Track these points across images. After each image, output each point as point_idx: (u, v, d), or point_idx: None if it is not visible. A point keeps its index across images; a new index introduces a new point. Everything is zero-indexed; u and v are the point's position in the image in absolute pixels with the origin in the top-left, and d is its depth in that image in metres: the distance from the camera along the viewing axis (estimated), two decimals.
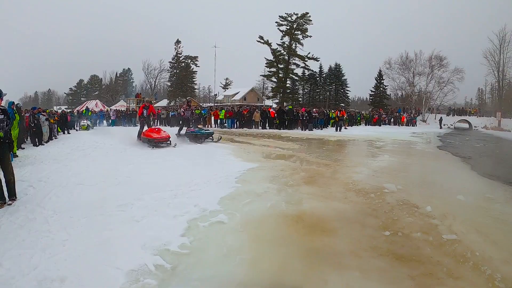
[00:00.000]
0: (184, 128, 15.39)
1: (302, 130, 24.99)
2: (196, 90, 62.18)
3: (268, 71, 53.89)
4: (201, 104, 49.41)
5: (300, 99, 55.93)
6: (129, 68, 63.97)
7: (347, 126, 28.80)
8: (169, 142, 13.00)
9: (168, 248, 4.25)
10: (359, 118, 34.26)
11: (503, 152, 18.07)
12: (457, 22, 62.10)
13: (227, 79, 65.43)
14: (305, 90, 56.84)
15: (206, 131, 15.29)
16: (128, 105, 35.16)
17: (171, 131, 15.19)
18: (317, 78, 55.85)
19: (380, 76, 51.15)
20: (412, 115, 41.12)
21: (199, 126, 17.28)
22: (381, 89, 51.62)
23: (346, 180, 8.10)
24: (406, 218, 5.55)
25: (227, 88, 63.69)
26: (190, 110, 15.73)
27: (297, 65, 53.17)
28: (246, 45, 70.30)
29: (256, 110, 27.84)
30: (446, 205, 6.34)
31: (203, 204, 5.80)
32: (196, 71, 58.68)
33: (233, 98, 55.35)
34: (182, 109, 15.92)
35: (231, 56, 69.36)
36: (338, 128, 25.72)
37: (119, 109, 31.87)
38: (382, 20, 66.91)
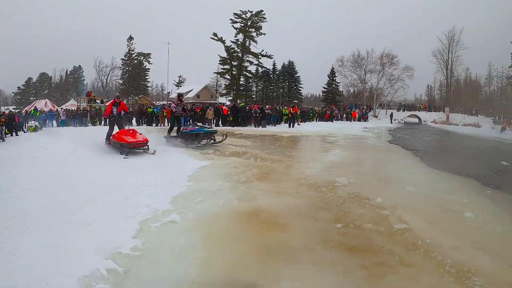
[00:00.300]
0: (175, 128, 13.41)
1: (255, 127, 25.13)
2: (149, 88, 60.71)
3: (222, 69, 53.88)
4: (154, 102, 48.16)
5: (253, 96, 56.35)
6: (80, 66, 60.91)
7: (300, 122, 29.40)
8: (146, 147, 10.79)
9: (120, 251, 4.20)
10: (311, 114, 34.97)
11: (451, 145, 19.33)
12: (408, 22, 65.50)
13: (180, 76, 64.29)
14: (259, 87, 57.25)
15: (209, 129, 13.66)
16: (79, 104, 33.53)
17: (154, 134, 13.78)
18: (271, 75, 56.50)
19: (332, 73, 52.72)
20: (363, 110, 42.87)
21: (198, 124, 14.98)
22: (334, 86, 53.18)
23: (298, 175, 8.30)
24: (358, 210, 5.81)
25: (181, 86, 62.61)
26: (182, 106, 13.81)
27: (251, 63, 53.54)
28: (200, 42, 69.15)
29: (209, 107, 27.65)
30: (396, 196, 6.72)
31: (155, 204, 5.75)
32: (149, 69, 57.34)
33: (186, 96, 54.55)
34: (173, 104, 13.73)
35: (185, 53, 68.25)
36: (291, 124, 26.19)
37: (69, 109, 30.31)
38: (336, 19, 68.92)
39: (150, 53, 56.86)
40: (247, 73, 54.44)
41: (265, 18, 51.37)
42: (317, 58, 65.82)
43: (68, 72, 61.31)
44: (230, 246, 4.42)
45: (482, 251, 4.60)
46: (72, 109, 29.97)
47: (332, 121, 35.00)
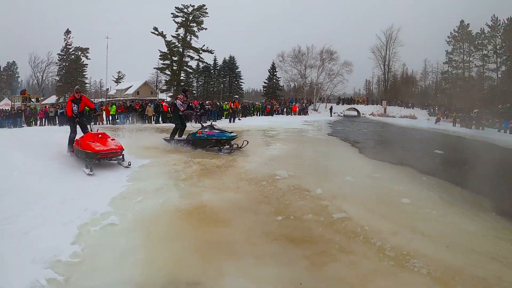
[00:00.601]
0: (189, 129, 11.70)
1: (195, 122, 24.94)
2: (87, 85, 57.70)
3: (162, 64, 52.65)
4: (92, 99, 45.94)
5: (194, 92, 55.82)
6: (14, 61, 56.49)
7: (241, 117, 29.68)
8: (121, 157, 8.57)
9: (59, 259, 3.99)
10: (252, 109, 35.34)
11: (389, 136, 20.35)
12: (348, 19, 67.92)
13: (119, 72, 61.58)
14: (199, 82, 56.83)
15: (231, 135, 11.04)
16: (13, 103, 31.20)
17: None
18: (212, 71, 56.29)
19: (273, 69, 53.51)
20: (304, 104, 44.25)
21: (215, 126, 11.48)
22: (274, 80, 53.98)
23: (238, 170, 8.33)
24: (298, 202, 5.95)
25: (120, 82, 60.35)
26: (187, 103, 12.11)
27: (192, 58, 52.84)
28: (141, 37, 66.61)
29: (149, 104, 27.33)
30: (335, 186, 6.98)
31: (94, 206, 5.49)
32: (87, 64, 54.24)
33: (125, 93, 52.67)
34: (178, 101, 11.69)
35: (125, 48, 65.14)
36: (232, 119, 26.47)
37: (2, 108, 28.07)
38: (278, 15, 69.64)
39: (88, 48, 54.20)
40: (187, 69, 53.74)
41: (207, 13, 50.95)
42: (258, 53, 66.29)
43: (1, 69, 57.25)
44: (172, 245, 4.37)
45: (420, 235, 4.89)
46: (5, 109, 28.07)
47: (273, 116, 35.58)
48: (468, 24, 42.72)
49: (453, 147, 17.63)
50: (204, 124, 11.64)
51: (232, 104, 27.23)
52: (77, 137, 8.99)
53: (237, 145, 11.21)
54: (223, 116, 28.64)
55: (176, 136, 11.74)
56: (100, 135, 8.68)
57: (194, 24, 51.07)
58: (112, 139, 8.82)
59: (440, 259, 4.19)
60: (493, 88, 40.92)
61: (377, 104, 46.87)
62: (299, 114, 39.08)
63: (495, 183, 9.03)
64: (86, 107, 9.62)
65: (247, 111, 33.62)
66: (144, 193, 6.33)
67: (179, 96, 12.02)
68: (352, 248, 4.33)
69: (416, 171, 9.26)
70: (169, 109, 11.14)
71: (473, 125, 32.51)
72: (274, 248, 4.30)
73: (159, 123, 25.09)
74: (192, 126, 11.79)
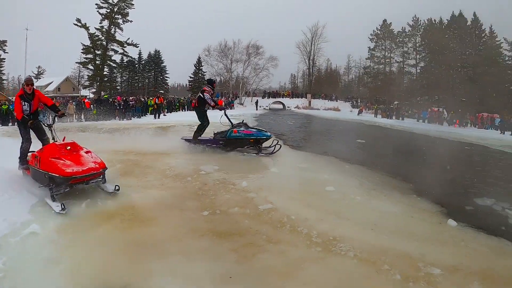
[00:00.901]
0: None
1: (119, 120, 24.44)
2: (5, 82, 52.89)
3: (85, 58, 49.93)
4: (9, 97, 42.10)
5: (118, 87, 53.73)
6: None
7: (166, 113, 29.32)
8: (101, 178, 6.11)
9: None
10: (177, 105, 35.01)
11: (313, 128, 21.19)
12: (275, 15, 69.35)
13: (39, 67, 57.28)
14: (124, 77, 54.89)
15: (268, 134, 10.24)
16: None
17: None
18: (136, 65, 54.57)
19: (199, 63, 53.36)
20: (230, 99, 44.72)
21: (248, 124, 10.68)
22: (200, 75, 53.82)
23: (163, 167, 8.18)
24: (224, 196, 6.03)
25: (40, 78, 56.11)
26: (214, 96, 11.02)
27: (116, 52, 50.74)
28: (63, 29, 62.10)
29: (70, 101, 26.13)
30: (261, 179, 7.18)
31: (13, 216, 5.02)
32: (4, 59, 49.87)
33: (46, 89, 49.13)
34: (207, 94, 10.32)
35: (45, 41, 60.48)
36: (157, 115, 26.24)
37: None
38: (206, 7, 69.02)
39: (6, 40, 49.88)
40: (111, 63, 51.57)
41: (133, 4, 49.12)
42: (184, 48, 65.47)
43: None
44: (98, 249, 4.22)
45: (345, 220, 5.19)
46: None
47: None
48: (391, 23, 46.99)
49: (374, 136, 18.89)
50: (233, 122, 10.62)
51: (157, 99, 26.81)
52: (33, 148, 6.70)
53: (274, 148, 10.16)
54: (148, 112, 28.09)
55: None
56: (68, 147, 6.02)
57: (119, 16, 49.18)
58: (87, 152, 6.21)
59: (365, 241, 4.49)
60: (412, 82, 45.78)
61: (302, 97, 49.16)
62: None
63: (414, 168, 9.88)
64: (43, 104, 6.91)
65: (173, 106, 33.31)
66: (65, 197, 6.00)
67: (206, 88, 10.49)
68: (279, 238, 4.47)
69: (339, 160, 9.77)
70: (194, 103, 9.39)
71: (394, 116, 35.19)
72: (201, 244, 4.31)
73: (81, 120, 24.12)
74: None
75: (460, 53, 43.03)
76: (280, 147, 10.28)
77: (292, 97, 49.80)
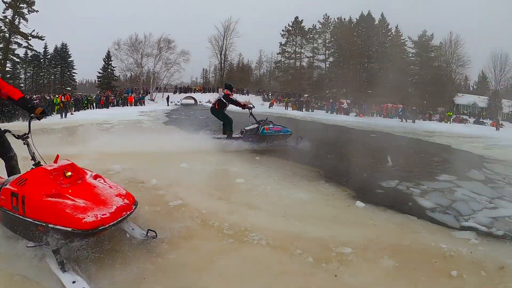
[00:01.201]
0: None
1: (22, 121, 22.72)
2: None
3: None
4: None
5: (22, 84, 49.18)
6: None
7: (74, 111, 27.89)
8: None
9: None
10: (86, 102, 33.53)
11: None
12: (187, 9, 68.73)
13: None
14: (28, 74, 50.44)
15: (289, 130, 11.57)
16: None
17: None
18: (42, 60, 50.35)
19: (108, 57, 50.91)
20: (140, 95, 43.60)
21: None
22: (109, 70, 51.51)
23: None
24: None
25: None
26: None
27: (19, 45, 46.15)
28: None
29: None
30: (171, 175, 7.03)
31: None
32: None
33: None
34: (232, 97, 11.38)
35: None
36: (64, 114, 24.82)
37: None
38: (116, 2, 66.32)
39: None
40: (14, 58, 46.93)
41: None
42: (93, 41, 62.03)
43: None
44: None
45: (256, 210, 5.32)
46: None
47: (108, 108, 34.26)
48: (302, 20, 49.71)
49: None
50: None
51: (63, 97, 25.30)
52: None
53: (298, 138, 11.64)
54: (54, 111, 26.39)
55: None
56: (68, 173, 3.88)
57: (24, 5, 44.83)
58: (96, 177, 4.27)
59: (277, 229, 4.62)
60: (322, 76, 48.68)
61: (213, 92, 49.24)
62: (136, 104, 38.40)
63: (322, 156, 10.50)
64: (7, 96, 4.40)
65: (80, 104, 31.83)
66: None
67: (228, 92, 11.49)
68: (191, 233, 4.44)
69: (249, 152, 10.14)
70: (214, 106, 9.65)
71: (304, 108, 36.76)
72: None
73: None
74: None
75: (367, 50, 47.46)
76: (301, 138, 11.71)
77: (204, 92, 49.96)
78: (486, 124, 37.41)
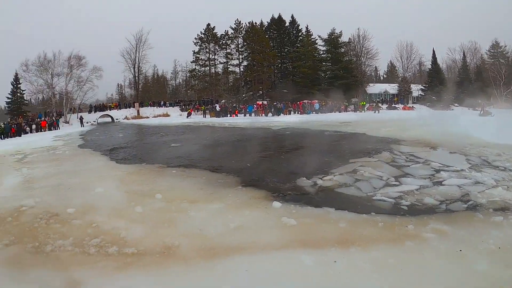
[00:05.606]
0: None
1: None
2: None
3: None
4: None
5: None
6: None
7: None
8: None
9: None
10: None
11: (136, 138, 21.19)
12: (96, 21, 66.54)
13: None
14: None
15: None
16: None
17: None
18: None
19: (17, 80, 47.46)
20: (53, 118, 40.84)
21: None
22: (19, 94, 48.13)
23: None
24: (46, 230, 5.79)
25: None
26: None
27: None
28: None
29: None
30: (87, 202, 7.07)
31: None
32: None
33: None
34: None
35: None
36: None
37: None
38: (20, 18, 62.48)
39: None
40: None
41: None
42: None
43: None
44: None
45: (169, 229, 5.59)
46: None
47: (21, 136, 32.04)
48: (214, 26, 50.05)
49: (193, 136, 20.38)
50: None
51: None
52: None
53: None
54: None
55: None
56: None
57: None
58: None
59: (195, 246, 4.99)
60: (237, 80, 49.82)
61: (130, 108, 48.35)
62: (49, 129, 36.35)
63: (237, 160, 11.16)
64: None
65: None
66: None
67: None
68: (99, 258, 4.70)
69: (159, 166, 10.49)
70: None
71: (221, 114, 37.24)
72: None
73: None
74: None
75: (279, 51, 50.28)
76: None
77: (120, 108, 48.64)
78: (398, 108, 42.27)
